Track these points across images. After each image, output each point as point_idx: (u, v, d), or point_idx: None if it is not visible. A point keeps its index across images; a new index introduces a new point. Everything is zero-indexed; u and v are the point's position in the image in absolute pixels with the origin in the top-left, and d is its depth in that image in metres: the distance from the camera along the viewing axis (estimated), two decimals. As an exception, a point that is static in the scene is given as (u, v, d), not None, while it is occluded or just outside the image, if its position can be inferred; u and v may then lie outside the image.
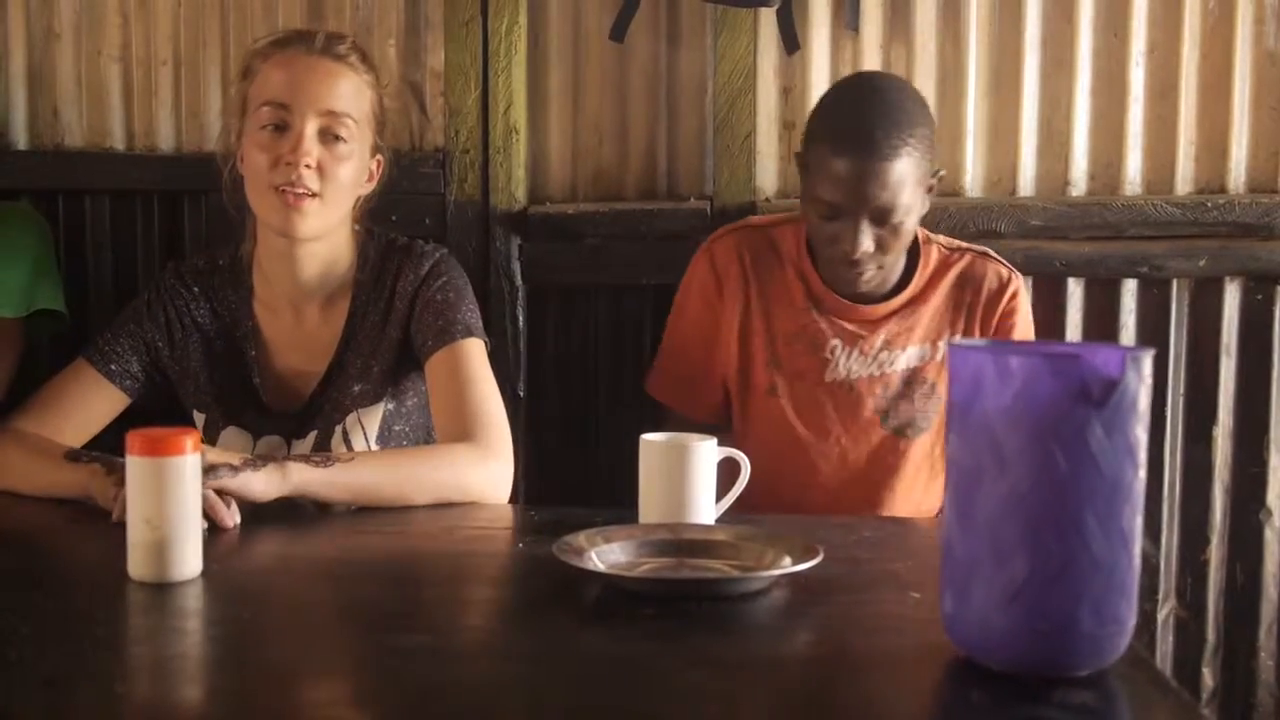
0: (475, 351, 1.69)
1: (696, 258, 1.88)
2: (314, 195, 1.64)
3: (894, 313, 1.80)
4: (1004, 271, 1.82)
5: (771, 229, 1.85)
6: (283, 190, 1.63)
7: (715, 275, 1.85)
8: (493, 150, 2.14)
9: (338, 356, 1.75)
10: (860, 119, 1.66)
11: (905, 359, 1.80)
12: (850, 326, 1.80)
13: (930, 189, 1.73)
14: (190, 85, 2.24)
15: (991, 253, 1.84)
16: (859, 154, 1.63)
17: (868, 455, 1.81)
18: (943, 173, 1.77)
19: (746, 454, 1.49)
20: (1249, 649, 2.08)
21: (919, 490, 1.84)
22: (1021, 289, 1.82)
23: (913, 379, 1.80)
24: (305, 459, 1.48)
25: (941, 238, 1.86)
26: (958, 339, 1.79)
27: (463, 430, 1.60)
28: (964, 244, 1.86)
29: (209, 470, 1.39)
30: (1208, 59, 2.03)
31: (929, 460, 1.83)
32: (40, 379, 1.79)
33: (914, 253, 1.81)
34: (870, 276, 1.73)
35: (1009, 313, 1.80)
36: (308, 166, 1.63)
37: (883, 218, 1.66)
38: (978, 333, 1.80)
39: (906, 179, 1.64)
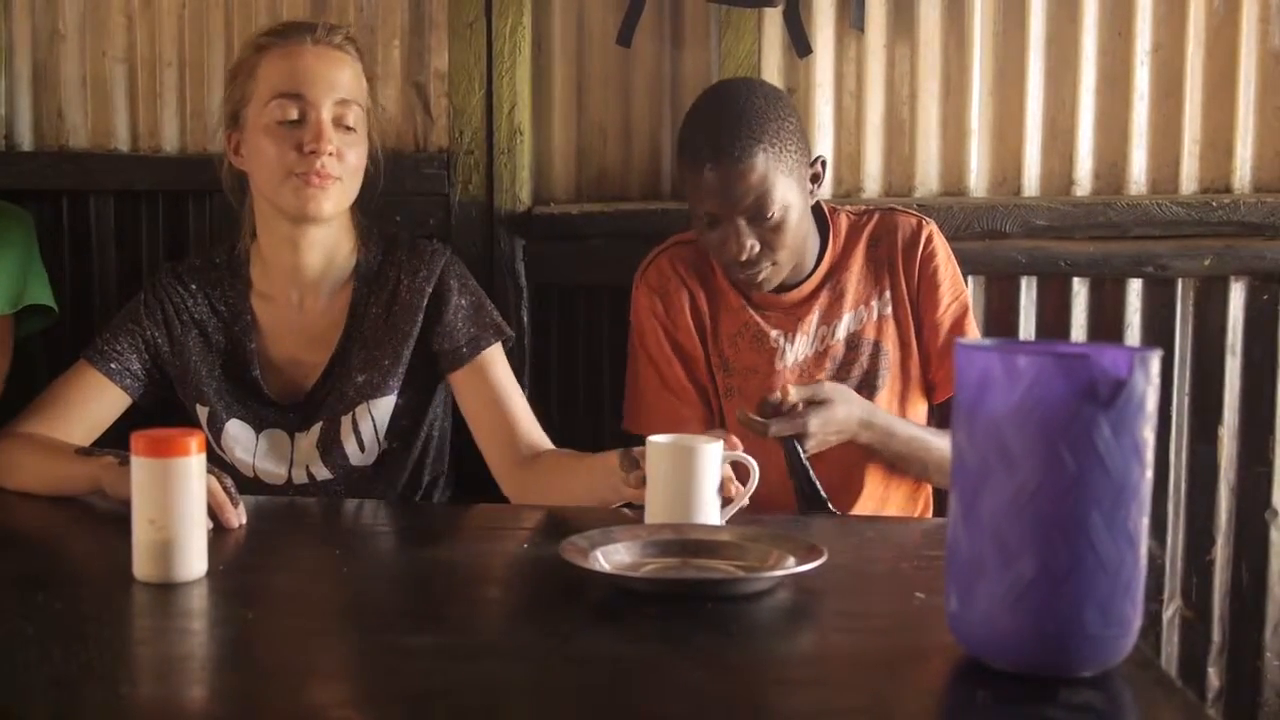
0: (502, 356, 1.80)
1: (635, 290, 1.92)
2: (336, 179, 1.67)
3: (819, 287, 1.85)
4: (913, 220, 1.86)
5: (699, 240, 1.86)
6: (305, 175, 1.64)
7: (658, 295, 1.89)
8: (497, 151, 2.14)
9: (340, 347, 1.76)
10: (709, 128, 1.72)
11: (844, 326, 1.85)
12: (784, 317, 1.85)
13: (816, 179, 1.78)
14: (195, 86, 2.24)
15: (898, 206, 1.90)
16: (713, 161, 1.69)
17: None
18: (822, 157, 1.80)
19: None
20: (1255, 649, 2.08)
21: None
22: (935, 233, 1.85)
23: (855, 342, 1.84)
24: None
25: (849, 207, 1.91)
26: (888, 295, 1.85)
27: (539, 434, 1.78)
28: (870, 207, 1.91)
29: None
30: (1213, 58, 2.03)
31: None
32: (35, 377, 1.79)
33: (825, 227, 1.86)
34: (766, 275, 1.77)
35: (929, 257, 1.83)
36: (331, 154, 1.64)
37: (758, 216, 1.71)
38: (904, 284, 1.84)
39: (769, 176, 1.69)
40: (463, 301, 1.77)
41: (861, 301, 1.85)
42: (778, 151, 1.70)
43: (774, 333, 1.85)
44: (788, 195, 1.71)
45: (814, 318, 1.85)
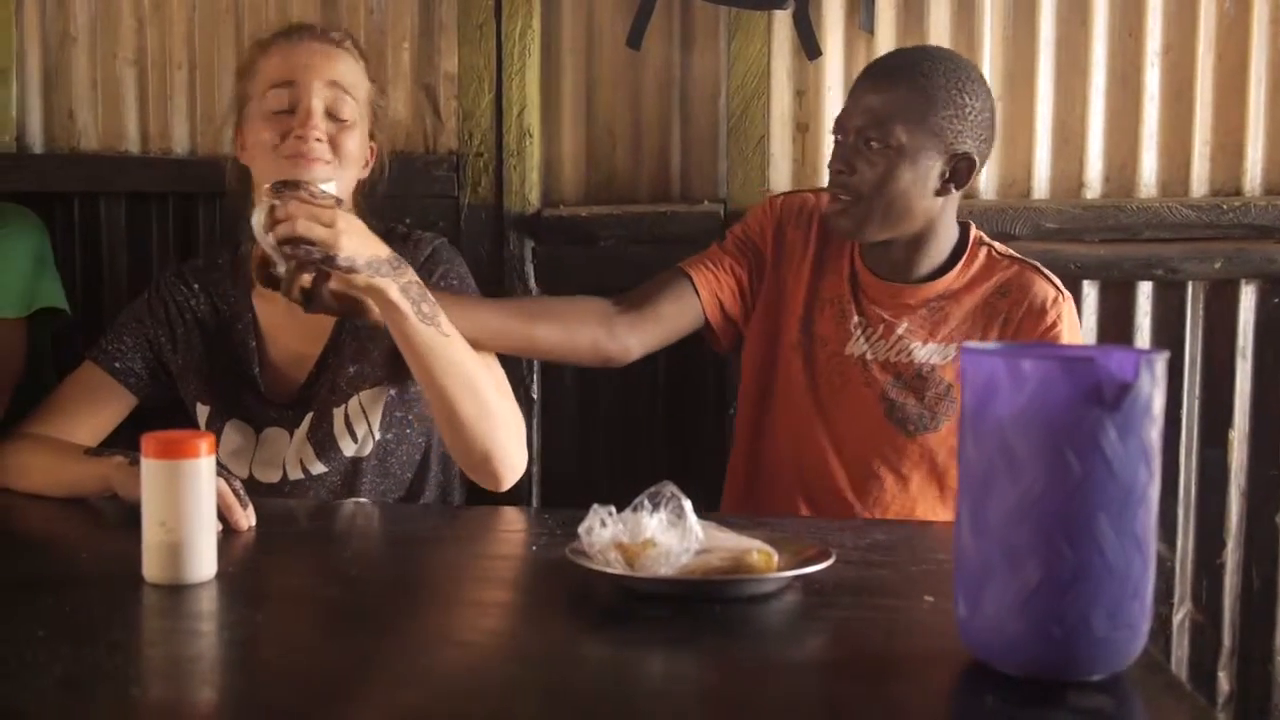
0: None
1: (763, 206, 1.89)
2: (326, 163, 1.65)
3: (924, 303, 1.76)
4: (1051, 291, 1.73)
5: None
6: (293, 156, 1.63)
7: (789, 213, 1.85)
8: (506, 153, 2.15)
9: (333, 339, 1.76)
10: (889, 54, 1.78)
11: (924, 353, 1.76)
12: (876, 309, 1.78)
13: (956, 174, 1.68)
14: (204, 88, 2.25)
15: (1044, 268, 1.77)
16: (866, 74, 1.73)
17: (868, 442, 1.78)
18: (972, 158, 1.68)
19: (769, 414, 1.63)
20: (1265, 653, 2.07)
21: (915, 494, 1.79)
22: (1067, 311, 1.74)
23: (928, 376, 1.76)
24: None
25: (998, 244, 1.81)
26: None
27: None
28: (1018, 254, 1.79)
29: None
30: (1223, 60, 2.02)
31: (928, 463, 1.77)
32: (45, 379, 1.80)
33: (961, 249, 1.78)
34: (837, 209, 1.71)
35: (1053, 339, 1.71)
36: (319, 140, 1.65)
37: (860, 136, 1.68)
38: None
39: (898, 110, 1.65)
40: (440, 284, 1.73)
41: (954, 340, 1.75)
42: (923, 100, 1.64)
43: (856, 318, 1.78)
44: (911, 145, 1.65)
45: (900, 329, 1.76)
